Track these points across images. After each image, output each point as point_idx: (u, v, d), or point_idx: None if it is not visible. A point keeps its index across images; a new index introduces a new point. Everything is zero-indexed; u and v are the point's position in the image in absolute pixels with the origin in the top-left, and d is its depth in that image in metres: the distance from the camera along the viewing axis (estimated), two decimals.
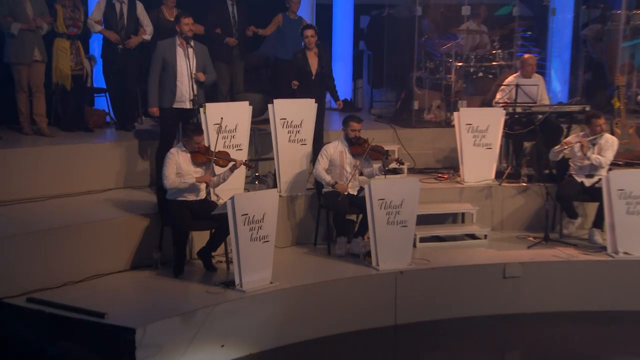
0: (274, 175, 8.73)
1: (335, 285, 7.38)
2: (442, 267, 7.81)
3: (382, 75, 11.80)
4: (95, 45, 10.00)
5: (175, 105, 8.24)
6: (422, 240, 8.48)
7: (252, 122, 8.83)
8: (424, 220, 8.61)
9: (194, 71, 8.08)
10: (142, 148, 8.92)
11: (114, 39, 9.26)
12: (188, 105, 8.25)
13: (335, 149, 8.22)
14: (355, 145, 8.13)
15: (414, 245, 8.23)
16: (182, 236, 7.36)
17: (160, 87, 8.15)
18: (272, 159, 8.74)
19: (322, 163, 8.15)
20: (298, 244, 8.50)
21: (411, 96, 10.87)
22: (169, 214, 7.44)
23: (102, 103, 10.20)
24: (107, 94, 9.95)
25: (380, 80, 11.98)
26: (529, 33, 11.54)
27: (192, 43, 8.16)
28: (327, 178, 8.09)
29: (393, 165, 8.30)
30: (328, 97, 9.81)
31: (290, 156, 8.61)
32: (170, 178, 7.37)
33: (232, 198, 6.86)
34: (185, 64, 8.13)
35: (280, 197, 8.35)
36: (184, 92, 8.21)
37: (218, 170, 7.73)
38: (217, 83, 9.86)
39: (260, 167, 9.31)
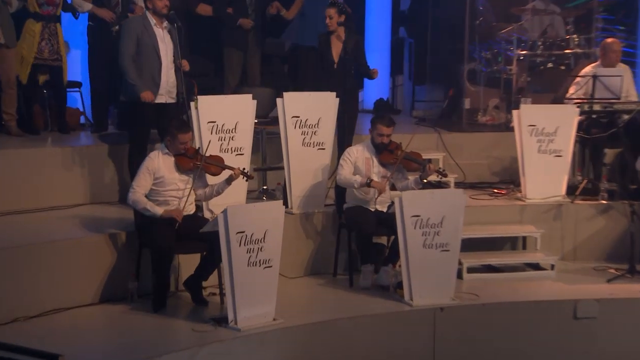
0: (284, 187, 8.66)
1: (356, 323, 7.27)
2: (495, 303, 7.69)
3: (426, 69, 11.73)
4: (80, 29, 10.00)
5: (156, 100, 8.23)
6: (471, 270, 8.41)
7: (260, 123, 8.84)
8: (473, 245, 8.55)
9: (172, 57, 8.13)
10: (123, 155, 8.79)
11: (108, 18, 9.25)
12: (168, 99, 8.25)
13: (361, 154, 8.15)
14: (385, 152, 8.06)
15: (460, 277, 8.18)
16: (163, 261, 7.22)
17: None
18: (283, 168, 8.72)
19: (347, 168, 8.08)
20: (312, 274, 8.48)
21: (461, 93, 10.79)
22: (147, 232, 7.34)
23: (72, 100, 10.19)
24: (81, 89, 10.02)
25: (424, 75, 11.91)
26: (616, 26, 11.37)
27: (166, 24, 8.19)
28: (357, 177, 7.97)
29: (433, 177, 8.20)
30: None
31: (304, 163, 8.57)
32: (137, 193, 7.29)
33: (224, 211, 6.76)
34: (168, 49, 8.16)
35: (291, 215, 8.33)
36: (166, 83, 8.21)
37: (211, 180, 7.65)
38: (224, 74, 9.85)
39: (269, 180, 9.25)
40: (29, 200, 8.34)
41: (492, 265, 8.57)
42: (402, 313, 7.44)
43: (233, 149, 8.27)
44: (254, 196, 8.94)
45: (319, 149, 8.61)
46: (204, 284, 7.50)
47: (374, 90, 12.27)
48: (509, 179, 9.76)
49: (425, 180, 7.99)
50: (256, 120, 8.92)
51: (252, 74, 9.97)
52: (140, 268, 7.47)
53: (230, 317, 6.86)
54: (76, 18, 9.71)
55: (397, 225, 7.49)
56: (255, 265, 6.90)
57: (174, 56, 8.16)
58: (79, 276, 7.38)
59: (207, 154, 7.52)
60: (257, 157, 9.14)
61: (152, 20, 8.17)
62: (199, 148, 7.77)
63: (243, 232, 6.79)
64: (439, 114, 11.21)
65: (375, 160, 8.10)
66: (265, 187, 9.15)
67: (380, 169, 8.10)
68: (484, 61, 10.98)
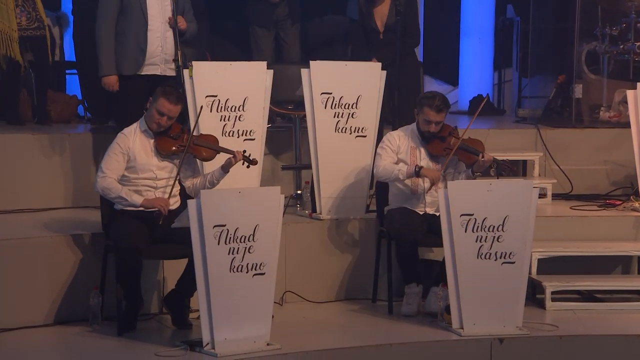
0: (312, 186, 8.56)
1: (383, 354, 7.05)
2: (576, 336, 7.43)
3: (529, 54, 11.51)
4: None
5: (145, 71, 8.28)
6: (557, 297, 8.18)
7: (294, 108, 8.95)
8: (569, 266, 8.48)
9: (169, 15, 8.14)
10: None
11: None
12: (165, 70, 8.28)
13: (404, 142, 8.01)
14: (436, 140, 7.89)
15: (541, 306, 8.10)
16: (131, 268, 7.11)
17: (118, 44, 8.23)
18: None
19: (386, 158, 7.92)
20: (347, 298, 8.42)
21: (572, 79, 10.53)
22: (114, 232, 7.23)
23: (73, 84, 10.45)
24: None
25: (532, 64, 11.67)
26: None
27: None
28: (402, 166, 7.85)
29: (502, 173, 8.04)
30: None
31: (337, 155, 8.47)
32: (109, 178, 7.18)
33: (197, 197, 6.65)
34: (164, 3, 8.17)
35: (319, 222, 8.35)
36: (157, 48, 8.25)
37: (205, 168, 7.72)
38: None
39: (304, 180, 9.10)
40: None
41: (591, 293, 8.39)
42: (447, 344, 7.26)
43: (240, 133, 8.21)
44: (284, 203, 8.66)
45: (358, 136, 8.49)
46: (193, 302, 7.32)
47: (472, 88, 12.22)
48: (633, 190, 9.50)
49: (478, 174, 7.82)
50: (290, 107, 8.96)
51: (289, 53, 9.95)
52: (107, 278, 7.38)
53: (206, 338, 6.67)
54: None
55: (442, 228, 7.30)
56: (241, 270, 6.72)
57: (172, 13, 8.18)
58: (28, 289, 7.34)
59: (196, 132, 7.45)
60: (290, 154, 9.20)
61: None
62: (185, 126, 7.67)
63: (223, 225, 6.64)
64: (544, 107, 10.99)
65: (422, 150, 7.95)
66: (299, 192, 9.00)
67: (429, 163, 7.95)
68: (607, 40, 10.55)
